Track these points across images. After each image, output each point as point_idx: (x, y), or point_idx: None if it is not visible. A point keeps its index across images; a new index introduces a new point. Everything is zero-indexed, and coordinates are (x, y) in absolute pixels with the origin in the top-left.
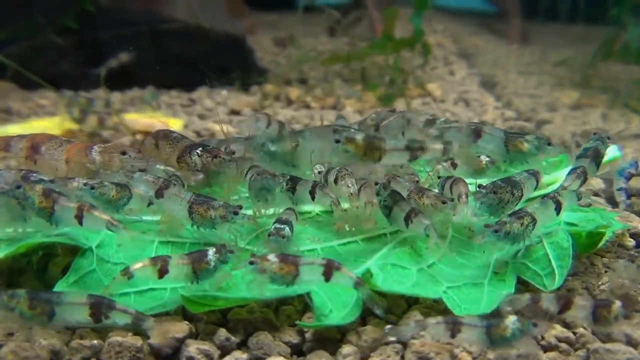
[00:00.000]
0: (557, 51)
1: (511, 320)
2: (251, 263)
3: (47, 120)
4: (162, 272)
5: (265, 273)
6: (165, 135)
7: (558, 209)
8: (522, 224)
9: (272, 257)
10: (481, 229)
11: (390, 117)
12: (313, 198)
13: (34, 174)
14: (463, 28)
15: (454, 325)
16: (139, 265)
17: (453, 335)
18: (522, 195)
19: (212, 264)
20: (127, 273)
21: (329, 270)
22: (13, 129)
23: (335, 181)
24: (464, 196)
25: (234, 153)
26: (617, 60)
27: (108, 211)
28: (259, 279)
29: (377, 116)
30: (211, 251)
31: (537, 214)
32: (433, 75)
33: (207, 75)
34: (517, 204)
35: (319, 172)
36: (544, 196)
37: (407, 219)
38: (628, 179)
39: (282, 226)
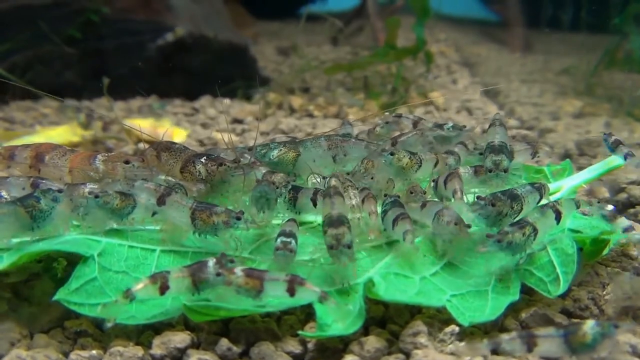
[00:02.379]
0: (559, 59)
1: (589, 325)
2: (218, 274)
3: (62, 128)
4: (163, 289)
5: (231, 285)
6: (167, 146)
7: (558, 218)
8: (523, 234)
9: (238, 271)
10: (483, 238)
11: (409, 134)
12: (315, 205)
13: (43, 181)
14: (465, 37)
15: (530, 339)
16: (139, 286)
17: (530, 349)
18: (522, 209)
19: (212, 275)
20: (128, 295)
21: (292, 286)
22: (34, 138)
23: None
24: (458, 192)
25: (239, 161)
26: (621, 69)
27: (112, 220)
28: (224, 290)
29: (383, 122)
30: (211, 262)
31: (538, 223)
32: (435, 84)
33: (210, 84)
34: (515, 217)
35: (323, 179)
36: (543, 205)
37: (395, 221)
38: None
39: (289, 239)
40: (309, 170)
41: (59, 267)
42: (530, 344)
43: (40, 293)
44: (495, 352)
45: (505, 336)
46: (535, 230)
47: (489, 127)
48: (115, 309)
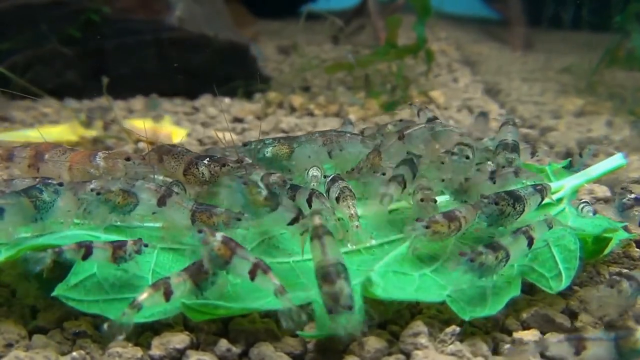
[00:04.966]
0: (561, 58)
1: None
2: (200, 232)
3: (62, 127)
4: (168, 294)
5: (207, 245)
6: (169, 150)
7: (530, 244)
8: (496, 258)
9: (218, 235)
10: (456, 256)
11: (415, 127)
12: (310, 206)
13: (49, 180)
14: (466, 35)
15: (578, 342)
16: (144, 295)
17: (578, 353)
18: (524, 210)
19: (210, 271)
20: (136, 306)
21: (254, 269)
22: (32, 133)
23: (337, 199)
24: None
25: (242, 161)
26: (622, 67)
27: (113, 216)
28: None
29: (395, 119)
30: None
31: (510, 248)
32: (436, 83)
33: (211, 83)
34: (517, 218)
35: (324, 177)
36: (515, 230)
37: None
38: None
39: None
40: (304, 166)
41: (46, 268)
42: (579, 347)
43: (24, 293)
44: (542, 355)
45: (552, 339)
46: (507, 256)
47: (502, 125)
48: (125, 321)
